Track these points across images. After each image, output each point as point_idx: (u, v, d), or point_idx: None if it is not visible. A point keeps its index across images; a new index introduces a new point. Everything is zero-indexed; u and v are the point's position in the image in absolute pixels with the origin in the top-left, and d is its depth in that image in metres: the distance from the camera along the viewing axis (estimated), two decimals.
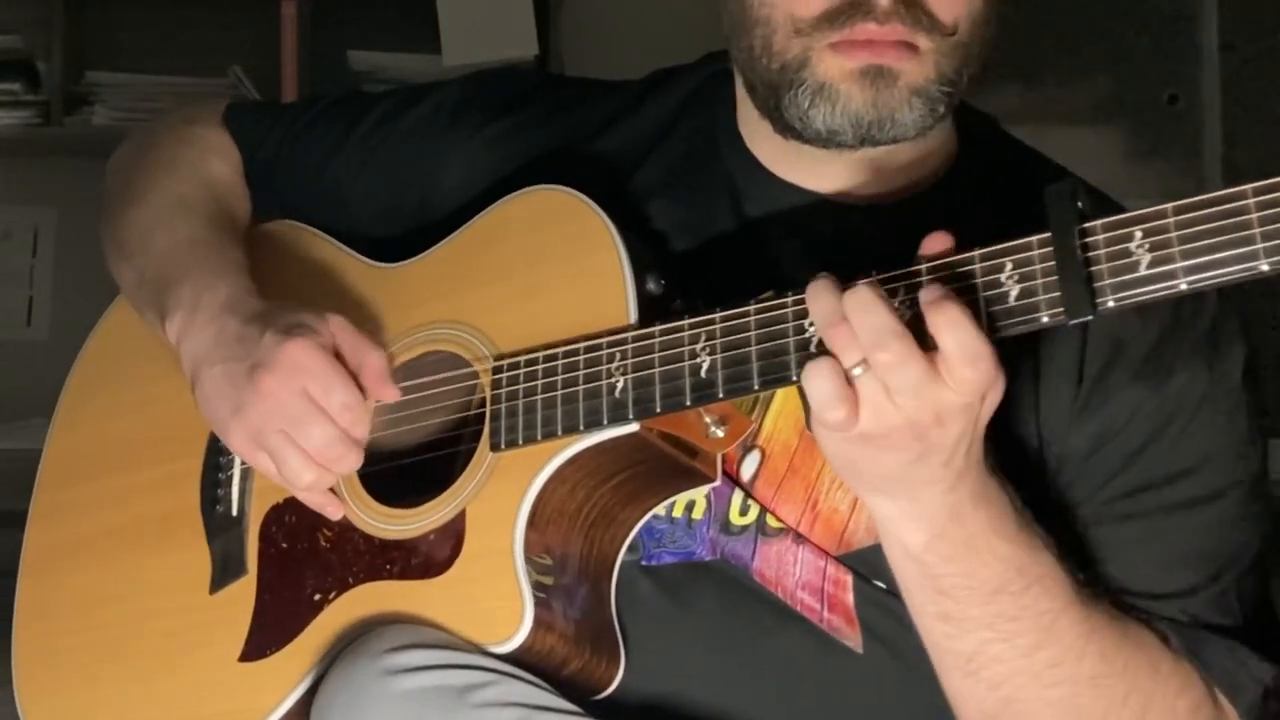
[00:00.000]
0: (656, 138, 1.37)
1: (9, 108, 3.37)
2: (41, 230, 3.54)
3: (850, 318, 1.03)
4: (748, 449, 1.25)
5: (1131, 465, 1.21)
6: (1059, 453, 1.22)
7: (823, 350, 1.05)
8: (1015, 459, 1.17)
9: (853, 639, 1.24)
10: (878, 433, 1.04)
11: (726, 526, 1.26)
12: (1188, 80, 3.51)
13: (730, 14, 1.26)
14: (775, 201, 1.30)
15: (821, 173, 1.28)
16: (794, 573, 1.24)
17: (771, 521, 1.25)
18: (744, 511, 1.26)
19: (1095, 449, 1.21)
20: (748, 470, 1.25)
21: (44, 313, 3.52)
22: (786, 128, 1.23)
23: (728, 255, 1.30)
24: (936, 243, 1.07)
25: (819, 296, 1.05)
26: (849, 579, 1.24)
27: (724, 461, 1.23)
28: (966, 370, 1.01)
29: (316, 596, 1.28)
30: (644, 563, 1.26)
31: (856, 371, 1.03)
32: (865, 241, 1.25)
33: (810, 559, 1.24)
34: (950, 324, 1.01)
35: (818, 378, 1.04)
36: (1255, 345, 1.26)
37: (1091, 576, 1.19)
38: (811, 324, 1.08)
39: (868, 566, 1.24)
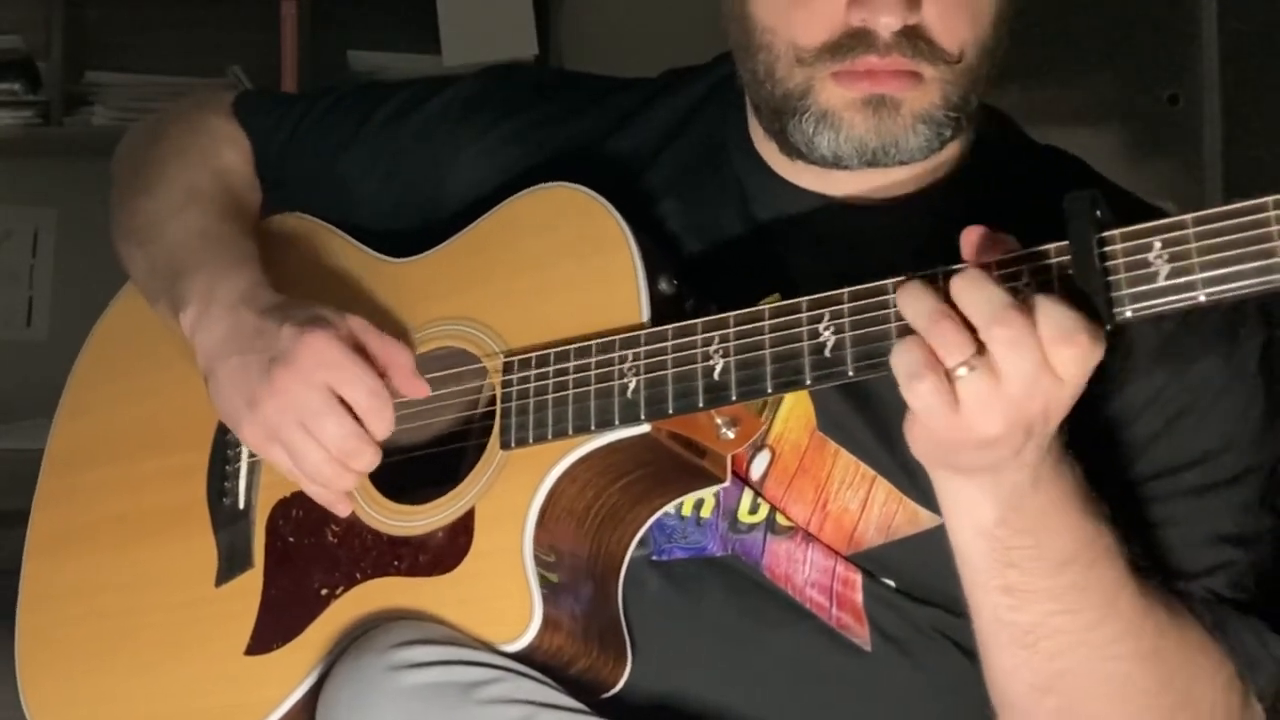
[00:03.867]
0: (667, 138, 1.37)
1: (9, 108, 3.37)
2: (41, 230, 3.54)
3: (959, 298, 1.00)
4: (757, 448, 1.25)
5: (1151, 449, 1.21)
6: (1079, 432, 1.21)
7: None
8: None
9: (861, 636, 1.24)
10: (988, 436, 1.01)
11: (735, 524, 1.26)
12: (1188, 80, 3.51)
13: (734, 37, 1.26)
14: (783, 205, 1.30)
15: (830, 180, 1.28)
16: (803, 571, 1.24)
17: (781, 520, 1.25)
18: (754, 510, 1.25)
19: (1113, 430, 1.21)
20: (757, 470, 1.25)
21: (44, 313, 3.52)
22: (792, 150, 1.24)
23: (736, 257, 1.30)
24: (971, 236, 1.05)
25: (915, 293, 1.02)
26: (858, 578, 1.24)
27: (733, 461, 1.23)
28: (1065, 349, 0.98)
29: (324, 591, 1.28)
30: (654, 558, 1.26)
31: (961, 372, 0.99)
32: (875, 243, 1.26)
33: (819, 559, 1.24)
34: (1038, 305, 0.98)
35: (904, 353, 1.01)
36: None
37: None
38: (826, 328, 1.08)
39: (878, 565, 1.24)
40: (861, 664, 1.24)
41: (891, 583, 1.24)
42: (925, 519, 1.22)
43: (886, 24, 1.15)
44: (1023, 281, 1.01)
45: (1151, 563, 1.20)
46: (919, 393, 1.00)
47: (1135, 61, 3.52)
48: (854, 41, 1.17)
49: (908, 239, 1.25)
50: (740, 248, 1.30)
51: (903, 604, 1.24)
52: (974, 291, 1.00)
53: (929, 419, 1.02)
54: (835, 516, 1.24)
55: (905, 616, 1.24)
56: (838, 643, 1.24)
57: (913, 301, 1.02)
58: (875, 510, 1.23)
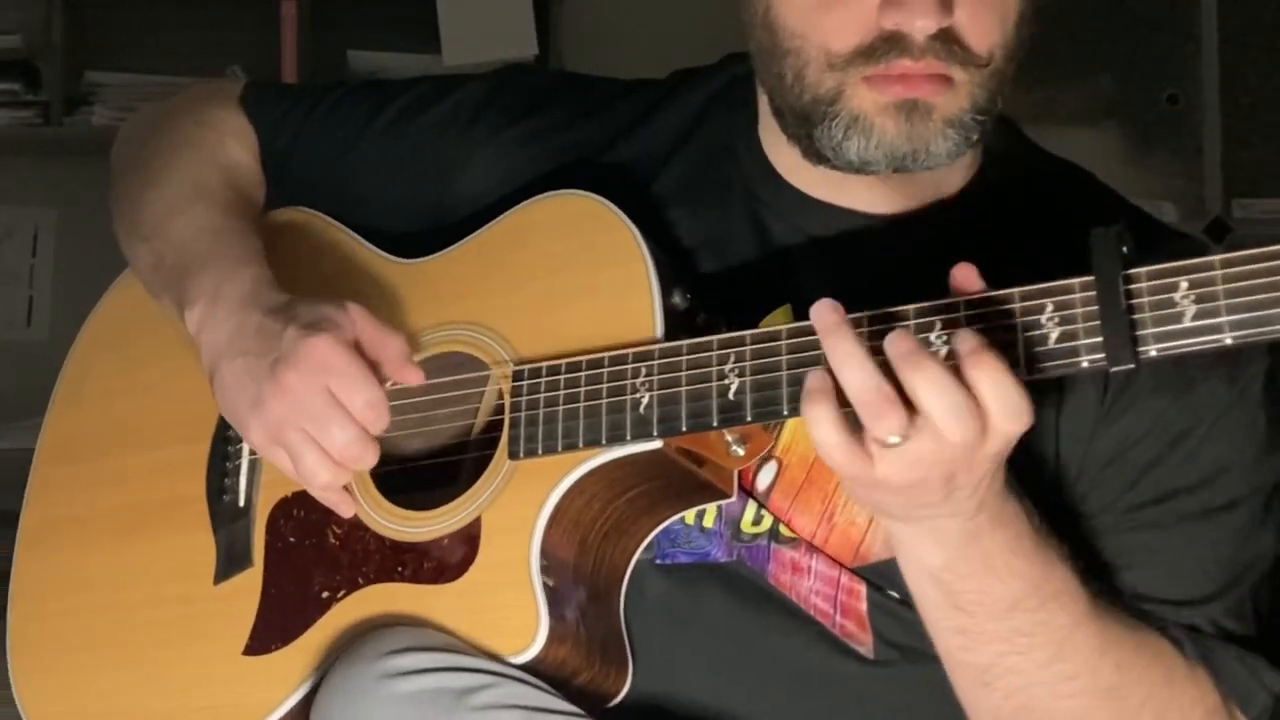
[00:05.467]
0: (676, 143, 1.36)
1: (9, 108, 3.38)
2: (41, 230, 3.54)
3: (902, 371, 0.99)
4: (765, 459, 1.24)
5: (1151, 473, 1.21)
6: (1080, 459, 1.22)
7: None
8: (1032, 472, 1.17)
9: (865, 644, 1.24)
10: (907, 485, 1.03)
11: (738, 534, 1.25)
12: (1188, 80, 3.51)
13: (758, 41, 1.24)
14: (795, 213, 1.29)
15: (843, 187, 1.27)
16: (808, 579, 1.24)
17: (784, 531, 1.24)
18: (756, 522, 1.25)
19: (1115, 456, 1.21)
20: (764, 481, 1.25)
21: (44, 313, 3.52)
22: (818, 156, 1.22)
23: (746, 267, 1.29)
24: (964, 274, 1.05)
25: (852, 367, 1.01)
26: (862, 589, 1.24)
27: (739, 474, 1.23)
28: (1009, 425, 1.00)
29: (325, 594, 1.27)
30: (658, 561, 1.26)
31: (893, 440, 1.00)
32: (887, 254, 1.25)
33: (823, 568, 1.24)
34: (992, 379, 0.99)
35: (820, 424, 1.03)
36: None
37: (1107, 583, 1.19)
38: None
39: (883, 578, 1.24)
40: (864, 671, 1.24)
41: (896, 594, 1.24)
42: None
43: (922, 27, 1.14)
44: (1045, 315, 1.01)
45: (1147, 592, 1.21)
46: (832, 457, 1.03)
47: (1135, 61, 3.52)
48: (887, 45, 1.16)
49: (921, 251, 1.25)
50: (750, 257, 1.30)
51: (907, 614, 1.23)
52: (917, 373, 0.99)
53: (847, 473, 1.04)
54: (842, 529, 1.23)
55: (909, 626, 1.23)
56: (840, 649, 1.24)
57: (850, 373, 1.01)
58: (884, 525, 1.22)
